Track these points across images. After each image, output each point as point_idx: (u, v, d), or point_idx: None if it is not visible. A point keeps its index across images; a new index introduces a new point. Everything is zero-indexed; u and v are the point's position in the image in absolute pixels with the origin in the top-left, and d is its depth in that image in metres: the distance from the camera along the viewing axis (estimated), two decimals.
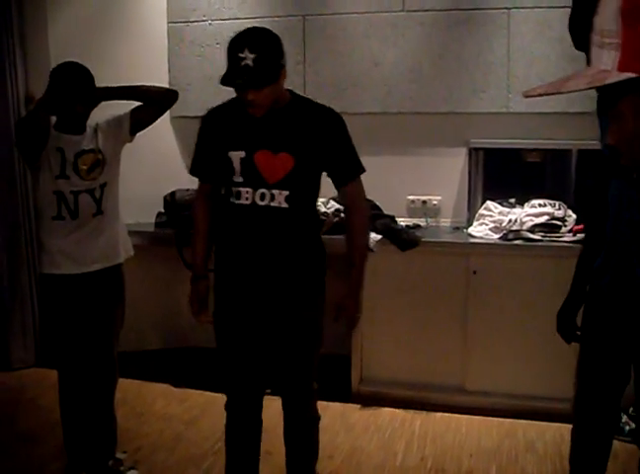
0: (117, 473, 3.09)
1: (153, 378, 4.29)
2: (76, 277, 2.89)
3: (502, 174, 4.26)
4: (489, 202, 4.03)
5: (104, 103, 2.92)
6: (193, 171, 2.63)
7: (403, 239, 3.83)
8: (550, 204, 3.86)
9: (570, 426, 2.53)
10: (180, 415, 3.84)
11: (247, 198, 2.41)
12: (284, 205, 2.40)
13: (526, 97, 2.27)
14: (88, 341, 2.94)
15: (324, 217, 3.76)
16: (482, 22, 4.10)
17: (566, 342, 2.48)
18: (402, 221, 4.13)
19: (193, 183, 4.42)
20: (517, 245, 3.75)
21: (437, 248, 3.87)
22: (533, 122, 4.09)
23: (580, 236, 3.62)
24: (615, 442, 3.37)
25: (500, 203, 4.01)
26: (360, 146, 2.54)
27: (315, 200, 2.59)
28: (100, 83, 2.88)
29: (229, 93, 4.59)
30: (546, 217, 3.79)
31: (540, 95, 2.17)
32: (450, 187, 4.31)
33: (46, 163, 2.80)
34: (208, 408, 3.88)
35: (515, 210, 3.92)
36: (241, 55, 2.24)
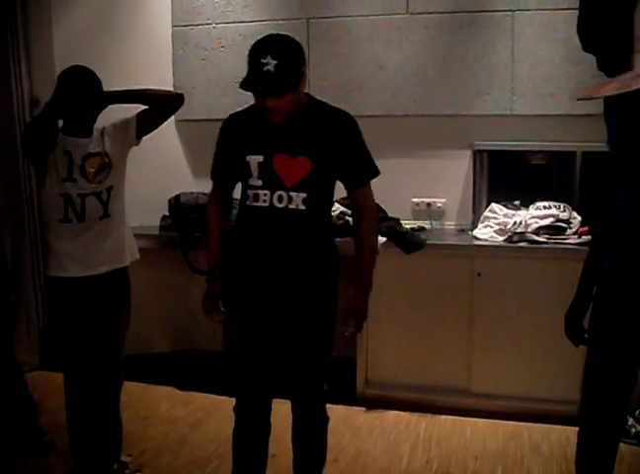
0: None
1: (158, 381, 4.29)
2: (82, 280, 2.89)
3: (506, 176, 4.25)
4: (494, 205, 4.02)
5: (110, 106, 2.92)
6: (213, 175, 2.65)
7: (408, 242, 3.82)
8: (555, 206, 3.86)
9: (576, 428, 2.52)
10: (185, 418, 3.84)
11: (265, 201, 2.42)
12: (302, 207, 2.42)
13: (579, 100, 2.25)
14: (94, 344, 2.94)
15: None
16: (486, 24, 4.10)
17: (574, 344, 2.47)
18: (407, 224, 4.13)
19: (197, 186, 4.50)
20: (521, 247, 3.74)
21: (441, 250, 3.87)
22: (538, 125, 4.08)
23: (585, 238, 3.62)
24: (621, 445, 3.36)
25: (505, 206, 4.00)
26: None
27: (330, 203, 2.60)
28: (104, 86, 2.88)
29: (234, 97, 4.60)
30: (551, 219, 3.79)
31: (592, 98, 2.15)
32: (455, 189, 4.30)
33: (53, 166, 2.81)
34: (213, 411, 3.88)
35: (519, 212, 3.91)
36: (263, 61, 2.24)
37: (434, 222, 4.29)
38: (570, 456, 2.52)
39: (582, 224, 3.78)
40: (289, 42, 2.35)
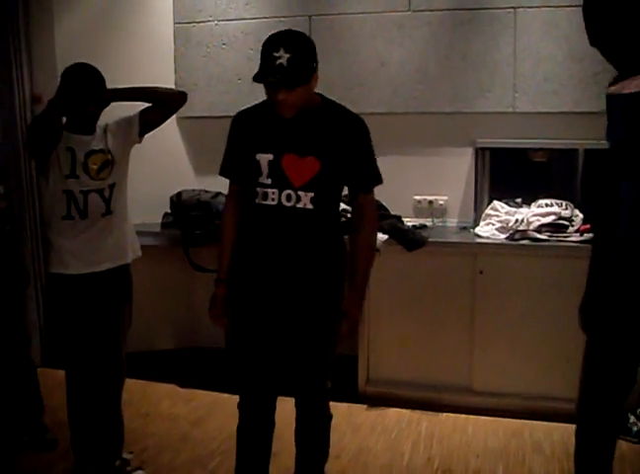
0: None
1: (160, 378, 4.29)
2: (84, 277, 2.89)
3: (508, 174, 4.25)
4: (495, 202, 4.02)
5: (113, 104, 2.92)
6: (223, 172, 2.63)
7: (410, 239, 3.82)
8: (557, 204, 3.85)
9: None
10: (186, 415, 3.84)
11: (273, 199, 2.44)
12: (310, 207, 2.43)
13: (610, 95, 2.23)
14: (96, 341, 2.94)
15: None
16: (488, 21, 4.09)
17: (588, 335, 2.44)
18: (408, 221, 4.13)
19: (199, 183, 4.50)
20: (523, 245, 3.74)
21: (443, 248, 3.87)
22: (540, 122, 4.08)
23: (587, 236, 3.61)
24: (622, 443, 3.39)
25: (506, 203, 4.00)
26: None
27: (339, 202, 2.60)
28: (107, 84, 2.88)
29: (236, 93, 4.60)
30: (553, 217, 3.78)
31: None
32: (457, 187, 4.30)
33: (56, 162, 2.81)
34: (215, 408, 3.88)
35: (521, 210, 3.91)
36: (276, 54, 2.25)
37: (435, 220, 4.29)
38: (572, 454, 2.51)
39: (584, 222, 3.78)
40: (302, 38, 2.37)
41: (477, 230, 3.97)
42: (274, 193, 2.43)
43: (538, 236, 3.74)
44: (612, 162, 2.26)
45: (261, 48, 2.32)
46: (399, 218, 4.03)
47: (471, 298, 3.79)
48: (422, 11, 4.18)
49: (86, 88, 2.78)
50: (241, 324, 2.58)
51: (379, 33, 4.25)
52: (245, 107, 2.58)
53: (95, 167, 2.86)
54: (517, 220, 3.81)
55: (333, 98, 2.53)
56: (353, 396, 3.93)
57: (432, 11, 4.17)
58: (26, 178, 4.34)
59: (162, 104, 3.00)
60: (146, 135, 3.03)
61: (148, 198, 4.17)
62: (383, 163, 2.54)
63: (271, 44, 2.29)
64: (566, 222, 3.78)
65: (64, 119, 2.85)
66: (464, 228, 4.17)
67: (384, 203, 3.97)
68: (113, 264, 2.96)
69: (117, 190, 2.94)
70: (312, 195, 2.42)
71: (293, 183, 2.42)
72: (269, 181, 2.43)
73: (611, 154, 2.26)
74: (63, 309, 2.94)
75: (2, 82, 4.31)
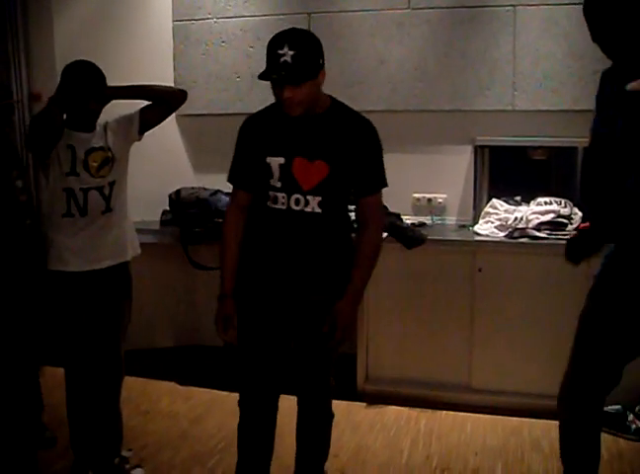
0: (122, 471, 3.09)
1: (159, 376, 4.29)
2: (84, 275, 2.89)
3: (507, 172, 4.25)
4: (495, 200, 4.02)
5: (113, 102, 2.92)
6: (231, 178, 2.61)
7: (409, 237, 3.82)
8: (556, 202, 3.85)
9: None
10: (185, 413, 3.85)
11: (283, 203, 2.45)
12: (318, 210, 2.44)
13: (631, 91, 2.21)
14: (95, 339, 2.94)
15: None
16: (488, 19, 4.09)
17: (575, 264, 2.43)
18: (407, 219, 4.12)
19: (198, 181, 4.49)
20: (522, 243, 3.74)
21: (442, 246, 3.87)
22: (539, 120, 4.08)
23: None
24: (621, 441, 3.40)
25: (505, 201, 4.00)
26: None
27: (347, 205, 2.59)
28: (106, 81, 2.88)
29: (235, 91, 4.60)
30: (552, 215, 3.78)
31: None
32: (456, 184, 4.30)
33: (56, 160, 2.80)
34: (214, 406, 3.89)
35: (520, 208, 3.91)
36: (280, 52, 2.26)
37: (435, 218, 4.28)
38: None
39: (583, 220, 3.78)
40: (307, 35, 2.39)
41: (476, 228, 3.97)
42: (283, 197, 2.44)
43: (537, 234, 3.74)
44: (611, 154, 2.24)
45: (266, 48, 2.33)
46: (398, 216, 4.03)
47: (470, 296, 3.79)
48: (421, 9, 4.18)
49: (86, 85, 2.78)
50: (247, 322, 2.57)
51: (379, 30, 4.25)
52: (253, 112, 2.58)
53: (95, 164, 2.86)
54: (516, 218, 3.81)
55: (332, 95, 2.53)
56: (352, 394, 3.93)
57: (431, 9, 4.16)
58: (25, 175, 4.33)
59: (162, 102, 3.00)
60: (146, 133, 3.03)
61: (147, 196, 4.16)
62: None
63: (275, 43, 2.30)
64: (565, 220, 3.78)
65: (64, 117, 2.85)
66: (463, 226, 4.17)
67: (383, 201, 3.96)
68: (112, 261, 2.96)
69: (117, 187, 2.94)
70: (320, 198, 2.43)
71: (302, 186, 2.42)
72: (279, 184, 2.44)
73: (616, 147, 2.24)
74: (62, 307, 2.93)
75: (1, 80, 4.31)
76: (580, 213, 3.83)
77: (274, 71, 2.29)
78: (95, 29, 4.51)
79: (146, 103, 2.99)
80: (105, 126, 2.94)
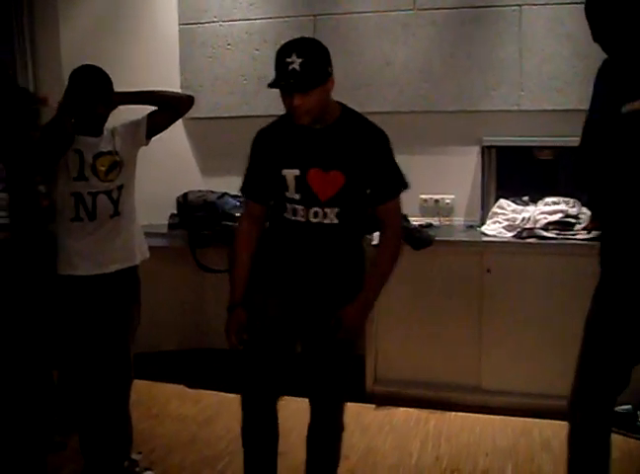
0: None
1: (167, 379, 4.30)
2: (92, 279, 2.90)
3: (515, 172, 4.25)
4: (502, 201, 4.02)
5: (120, 107, 2.93)
6: (244, 190, 2.62)
7: (416, 238, 3.81)
8: (564, 202, 3.85)
9: None
10: (194, 416, 3.85)
11: (302, 216, 2.46)
12: (335, 221, 2.45)
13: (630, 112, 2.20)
14: (103, 342, 2.95)
15: None
16: (493, 20, 4.09)
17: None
18: (415, 220, 4.11)
19: (205, 184, 4.50)
20: (530, 243, 3.73)
21: (450, 247, 3.87)
22: (545, 120, 4.07)
23: (595, 233, 3.59)
24: (630, 441, 3.39)
25: (513, 201, 3.99)
26: None
27: (364, 214, 2.57)
28: (113, 85, 2.88)
29: (241, 94, 4.60)
30: (560, 215, 3.78)
31: None
32: (463, 185, 4.29)
33: (64, 165, 2.81)
34: (222, 408, 3.89)
35: (528, 208, 3.90)
36: (288, 60, 2.27)
37: (442, 219, 4.28)
38: None
39: (591, 219, 3.76)
40: (314, 43, 2.40)
41: (484, 229, 3.97)
42: (302, 209, 2.45)
43: (545, 234, 3.73)
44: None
45: (275, 57, 2.33)
46: (405, 217, 4.02)
47: (479, 297, 3.78)
48: (426, 10, 4.18)
49: (94, 89, 2.78)
50: (254, 326, 2.57)
51: (384, 32, 4.25)
52: (258, 114, 2.61)
53: (103, 168, 2.87)
54: (523, 218, 3.81)
55: (338, 98, 2.52)
56: (360, 396, 3.93)
57: (436, 9, 4.17)
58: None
59: (169, 107, 3.01)
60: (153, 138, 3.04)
61: (154, 199, 4.17)
62: None
63: (283, 51, 2.31)
64: (573, 220, 3.77)
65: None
66: (471, 227, 4.16)
67: None
68: (120, 265, 2.97)
69: (125, 192, 2.95)
70: (337, 209, 2.44)
71: (320, 197, 2.43)
72: (297, 196, 2.45)
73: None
74: (71, 310, 2.94)
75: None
76: (588, 213, 3.81)
77: (282, 79, 2.29)
78: (101, 33, 4.52)
79: (153, 108, 3.00)
80: (112, 131, 2.94)
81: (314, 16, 4.32)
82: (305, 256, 2.51)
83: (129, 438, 3.14)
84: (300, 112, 2.33)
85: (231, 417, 3.68)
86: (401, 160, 2.57)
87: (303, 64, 2.26)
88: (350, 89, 4.15)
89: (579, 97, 3.94)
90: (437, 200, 4.33)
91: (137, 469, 3.14)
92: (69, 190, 2.83)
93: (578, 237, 3.69)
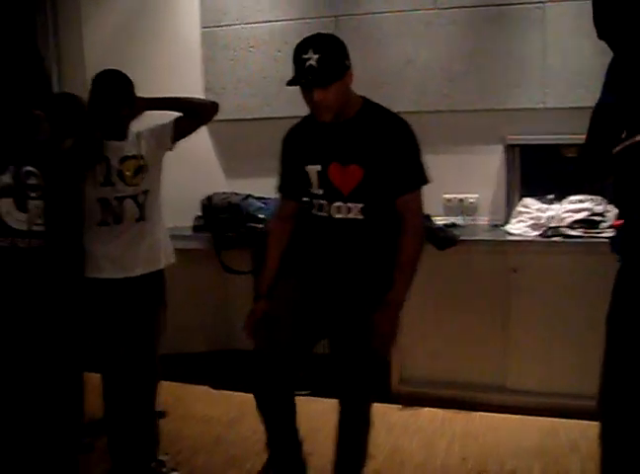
0: None
1: (193, 381, 4.32)
2: (118, 282, 2.92)
3: (539, 170, 4.21)
4: (527, 199, 3.99)
5: (145, 113, 2.95)
6: (281, 189, 2.69)
7: (441, 238, 3.80)
8: (590, 200, 3.81)
9: None
10: (219, 417, 3.87)
11: (326, 211, 2.49)
12: (360, 217, 2.46)
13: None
14: (130, 345, 2.97)
15: None
16: (516, 17, 4.06)
17: None
18: (439, 220, 4.10)
19: (229, 186, 4.51)
20: (556, 242, 3.70)
21: (475, 246, 3.84)
22: (570, 117, 4.02)
23: None
24: None
25: (538, 200, 3.96)
26: None
27: (391, 209, 2.51)
28: (135, 89, 2.91)
29: (263, 96, 4.61)
30: (586, 213, 3.74)
31: None
32: (487, 184, 4.27)
33: (91, 172, 2.84)
34: (248, 409, 3.84)
35: (553, 207, 3.87)
36: (305, 56, 2.30)
37: (466, 218, 4.26)
38: None
39: (617, 217, 3.72)
40: (330, 38, 2.43)
41: (508, 228, 3.95)
42: (326, 204, 2.48)
43: (571, 232, 3.70)
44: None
45: (292, 55, 2.36)
46: (428, 217, 4.00)
47: (504, 296, 3.76)
48: (447, 8, 4.16)
49: (118, 91, 2.82)
50: (275, 317, 2.58)
51: (406, 31, 4.24)
52: (281, 116, 2.66)
53: (129, 173, 2.89)
54: (549, 217, 3.78)
55: (365, 96, 2.53)
56: (386, 396, 3.92)
57: (458, 8, 4.15)
58: None
59: (194, 114, 3.04)
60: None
61: (179, 202, 4.18)
62: None
63: (300, 49, 2.34)
64: (599, 218, 3.74)
65: None
66: (495, 226, 4.14)
67: None
68: (146, 269, 2.99)
69: (150, 196, 2.97)
70: (362, 205, 2.45)
71: (341, 191, 2.44)
72: (320, 191, 2.48)
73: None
74: (98, 313, 2.97)
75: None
76: (614, 210, 3.77)
77: (301, 76, 2.32)
78: (124, 36, 4.56)
79: (178, 114, 3.03)
80: (138, 135, 2.97)
81: (335, 17, 4.32)
82: (329, 250, 2.54)
83: (156, 439, 3.17)
84: (321, 108, 2.35)
85: (256, 417, 3.67)
86: (424, 159, 2.57)
87: (320, 60, 2.28)
88: (372, 89, 4.08)
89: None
90: (461, 200, 4.31)
91: (164, 470, 3.16)
92: (96, 195, 2.86)
93: (604, 235, 3.65)
